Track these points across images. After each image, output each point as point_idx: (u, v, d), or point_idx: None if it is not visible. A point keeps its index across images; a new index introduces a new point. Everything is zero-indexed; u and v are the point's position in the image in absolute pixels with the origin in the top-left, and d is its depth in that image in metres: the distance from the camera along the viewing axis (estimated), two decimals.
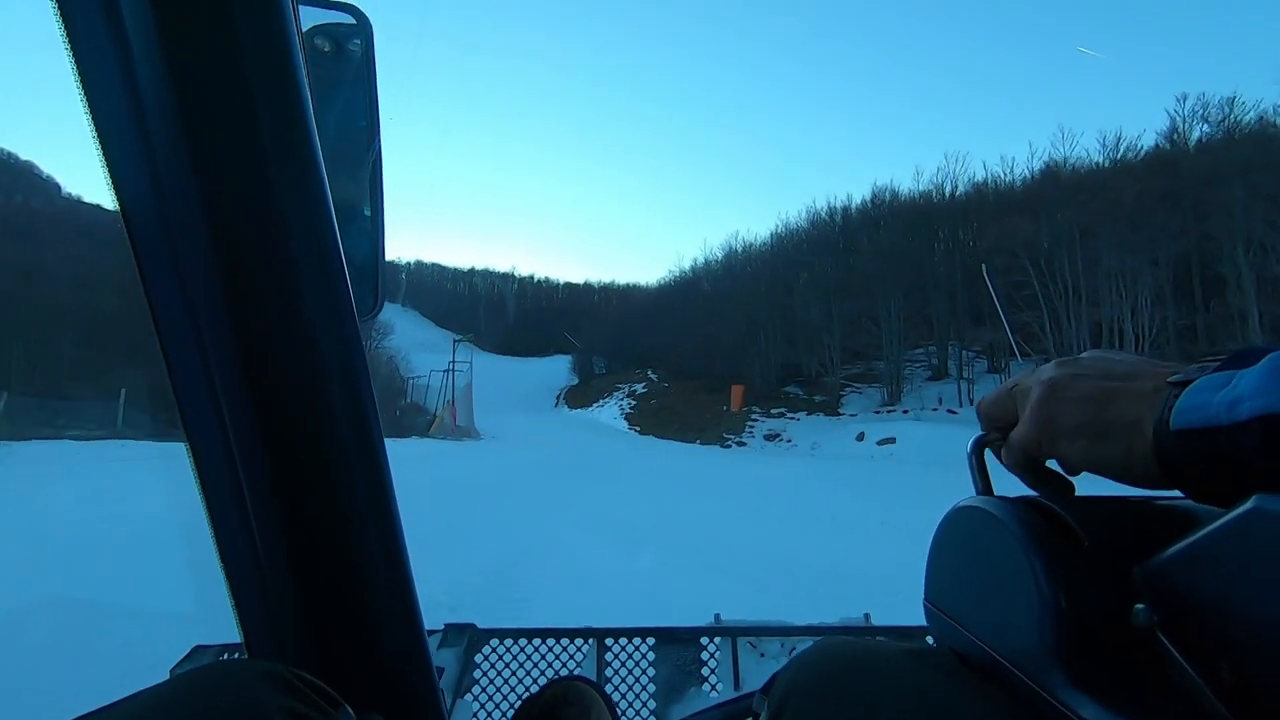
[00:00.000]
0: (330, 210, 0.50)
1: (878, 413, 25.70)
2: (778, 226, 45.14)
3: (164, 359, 0.50)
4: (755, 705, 0.42)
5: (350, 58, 0.64)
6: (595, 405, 42.75)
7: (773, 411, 28.82)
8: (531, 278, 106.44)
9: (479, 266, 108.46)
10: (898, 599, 2.24)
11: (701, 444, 27.40)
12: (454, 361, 29.80)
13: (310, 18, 0.60)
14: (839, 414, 27.14)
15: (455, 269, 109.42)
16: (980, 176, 35.74)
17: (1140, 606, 0.31)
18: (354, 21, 0.64)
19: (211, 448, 0.52)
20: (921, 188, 35.65)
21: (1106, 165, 28.29)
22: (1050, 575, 0.33)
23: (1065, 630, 0.32)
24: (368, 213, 0.68)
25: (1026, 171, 33.39)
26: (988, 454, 0.46)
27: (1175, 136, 26.41)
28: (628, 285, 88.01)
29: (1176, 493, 0.35)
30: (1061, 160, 28.89)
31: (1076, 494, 0.42)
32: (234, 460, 0.52)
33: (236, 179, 0.47)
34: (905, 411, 24.75)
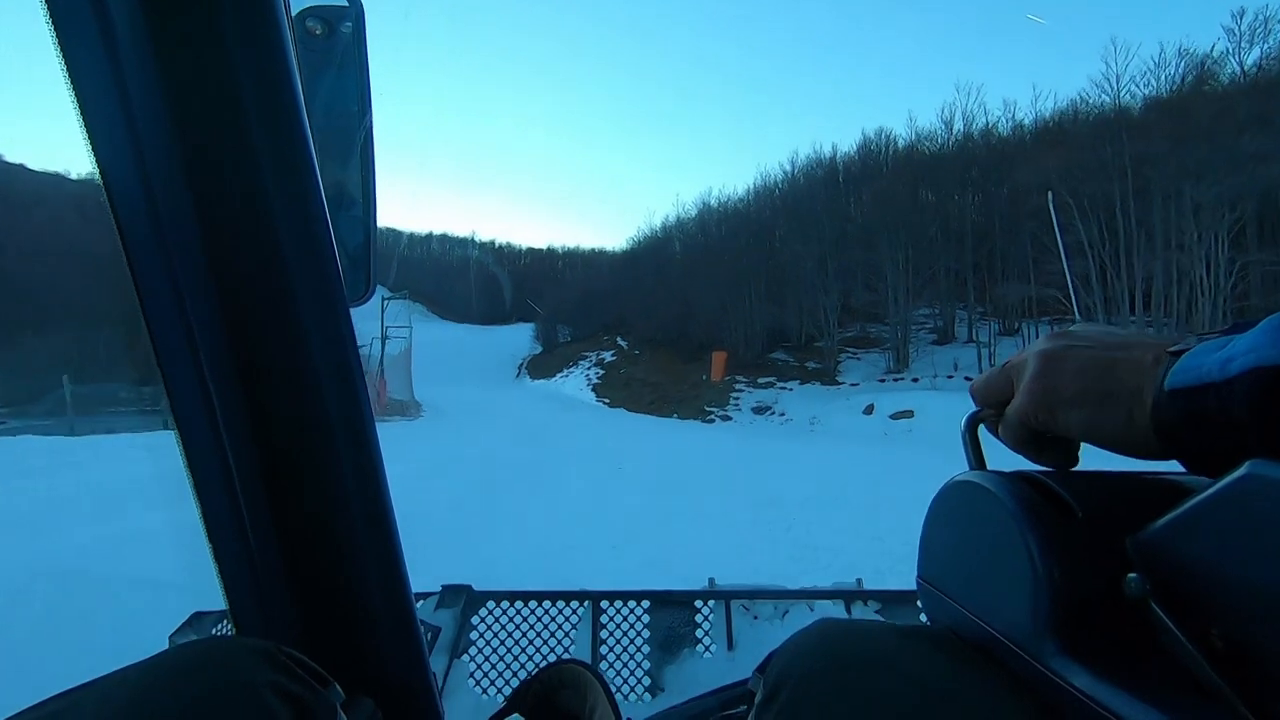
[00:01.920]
0: (321, 195, 0.50)
1: (883, 381, 22.41)
2: (759, 178, 41.52)
3: (151, 343, 0.50)
4: (751, 684, 0.42)
5: (341, 40, 0.64)
6: (559, 375, 39.24)
7: (760, 381, 25.41)
8: (493, 243, 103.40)
9: (437, 231, 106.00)
10: None
11: (680, 418, 23.96)
12: (384, 325, 25.59)
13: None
14: (838, 382, 23.81)
15: (413, 234, 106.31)
16: (1002, 112, 31.98)
17: (1133, 576, 0.31)
18: (345, 3, 0.64)
19: (199, 430, 0.52)
20: (930, 125, 31.59)
21: (1167, 87, 23.71)
22: (1043, 547, 0.33)
23: (1058, 600, 0.32)
24: (359, 197, 0.68)
25: (1066, 100, 28.99)
26: (981, 431, 0.46)
27: (1227, 56, 22.95)
28: (593, 251, 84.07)
29: (1174, 465, 0.35)
30: (1111, 84, 24.28)
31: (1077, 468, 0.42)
32: (222, 443, 0.52)
33: (226, 166, 0.48)
34: (915, 380, 21.53)
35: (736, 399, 24.37)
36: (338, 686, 0.47)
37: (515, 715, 0.60)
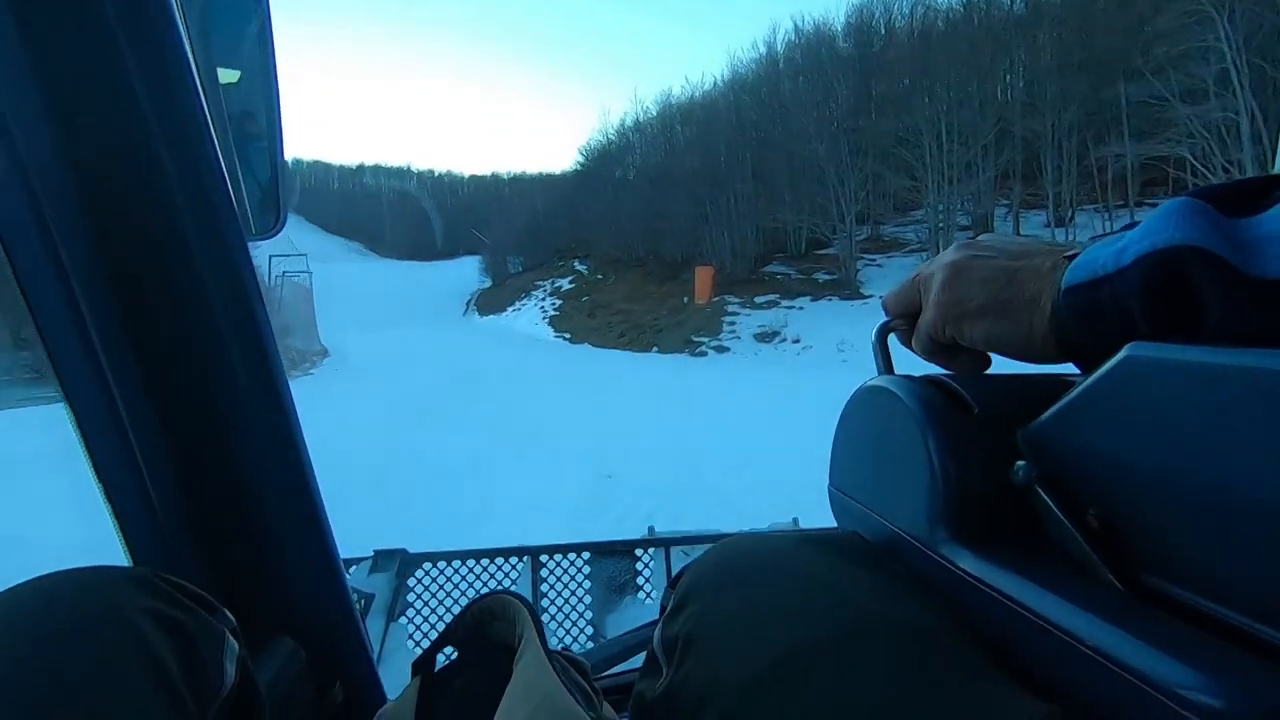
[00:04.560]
0: (206, 122, 0.47)
1: None
2: (735, 61, 34.80)
3: (21, 295, 0.46)
4: (663, 599, 0.43)
5: None
6: (509, 309, 33.58)
7: (758, 300, 20.31)
8: (431, 173, 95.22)
9: (369, 163, 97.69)
10: None
11: (661, 353, 18.88)
12: (271, 257, 19.90)
13: None
14: (862, 295, 18.85)
15: (343, 166, 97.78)
16: None
17: (1021, 464, 0.32)
18: None
19: (82, 378, 0.48)
20: None
21: None
22: (939, 442, 0.35)
23: (951, 491, 0.34)
24: (264, 126, 0.64)
25: None
26: (891, 339, 0.48)
27: None
28: (541, 175, 76.35)
29: (1072, 368, 0.37)
30: None
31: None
32: (105, 377, 0.49)
33: (94, 89, 0.44)
34: None
35: (732, 324, 19.29)
36: (228, 612, 0.45)
37: (447, 648, 0.59)
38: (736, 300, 20.71)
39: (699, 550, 1.06)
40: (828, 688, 0.29)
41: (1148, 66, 14.47)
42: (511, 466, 5.48)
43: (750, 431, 6.59)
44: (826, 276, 20.76)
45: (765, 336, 17.88)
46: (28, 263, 0.45)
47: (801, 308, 19.04)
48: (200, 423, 0.53)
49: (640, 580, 1.16)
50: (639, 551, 1.17)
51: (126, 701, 0.34)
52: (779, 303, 19.74)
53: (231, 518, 0.56)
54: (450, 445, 6.17)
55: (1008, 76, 21.01)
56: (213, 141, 0.48)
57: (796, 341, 16.98)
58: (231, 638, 0.44)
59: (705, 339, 18.78)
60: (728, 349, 17.90)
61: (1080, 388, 0.30)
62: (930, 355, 0.45)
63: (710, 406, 8.57)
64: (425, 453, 5.91)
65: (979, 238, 0.43)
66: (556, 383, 11.85)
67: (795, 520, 1.26)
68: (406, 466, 5.33)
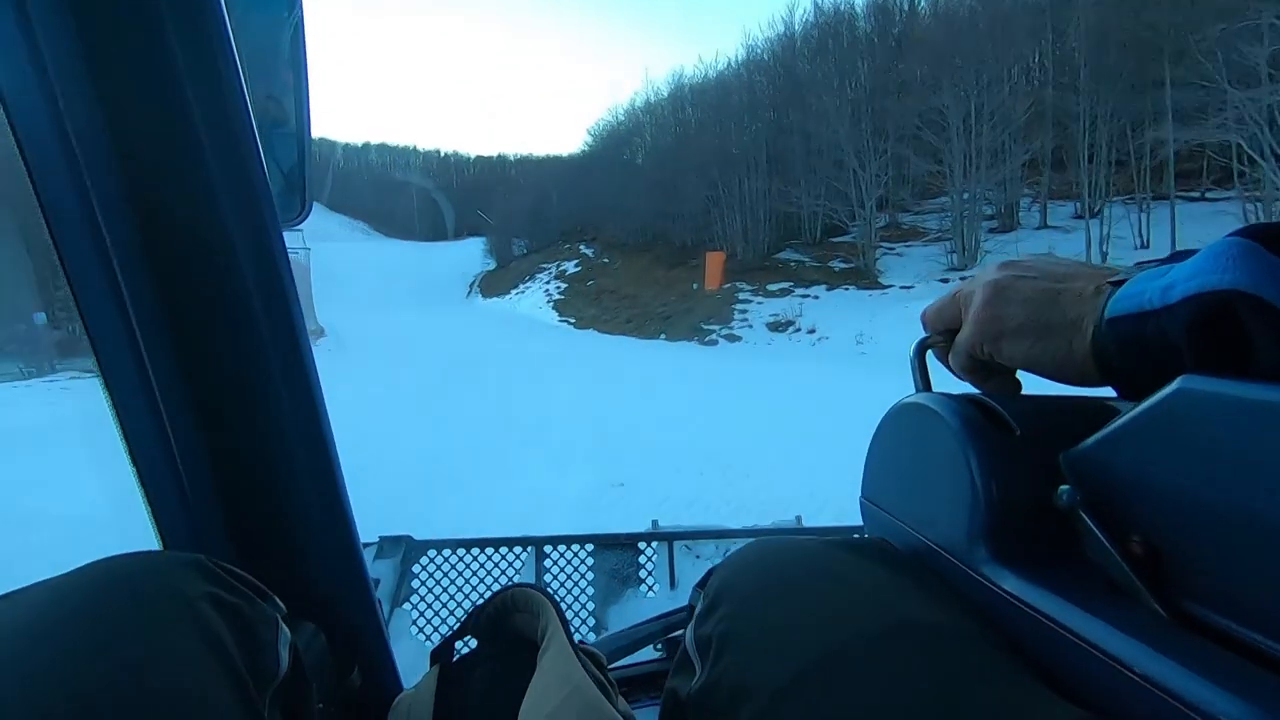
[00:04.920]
0: (248, 113, 0.48)
1: (945, 281, 16.68)
2: (750, 41, 33.58)
3: (64, 274, 0.48)
4: (691, 598, 0.43)
5: None
6: (513, 292, 32.89)
7: (770, 288, 19.54)
8: (437, 152, 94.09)
9: (375, 141, 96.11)
10: None
11: (669, 340, 18.18)
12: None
13: None
14: (880, 285, 18.05)
15: (347, 144, 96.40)
16: None
17: (1065, 488, 0.33)
18: None
19: (120, 354, 0.49)
20: None
21: None
22: (982, 462, 0.35)
23: (992, 511, 0.34)
24: (292, 113, 0.64)
25: None
26: (929, 356, 0.48)
27: None
28: (548, 157, 74.98)
29: (1109, 392, 0.37)
30: None
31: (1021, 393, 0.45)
32: (143, 359, 0.50)
33: (142, 85, 0.45)
34: None
35: (744, 312, 18.56)
36: (278, 600, 0.46)
37: (468, 638, 0.59)
38: (748, 287, 19.96)
39: (702, 545, 1.19)
40: (866, 691, 0.29)
41: (1200, 45, 13.45)
42: (504, 472, 4.80)
43: (786, 436, 5.90)
44: (843, 265, 19.93)
45: (779, 326, 17.15)
46: (72, 243, 0.46)
47: (816, 297, 18.27)
48: (231, 407, 0.53)
49: (643, 574, 1.17)
50: (642, 545, 1.19)
51: (191, 686, 0.34)
52: (793, 291, 18.97)
53: (259, 501, 0.56)
54: (440, 446, 5.50)
55: (1043, 54, 19.97)
56: (252, 127, 0.48)
57: (812, 332, 16.24)
58: (283, 624, 0.45)
59: (716, 327, 18.07)
60: (739, 338, 17.18)
61: (1128, 416, 0.30)
62: (967, 373, 0.45)
63: (731, 403, 7.87)
64: (410, 451, 5.23)
65: (1021, 258, 0.43)
66: (560, 369, 11.15)
67: (798, 518, 1.30)
68: (389, 468, 4.64)
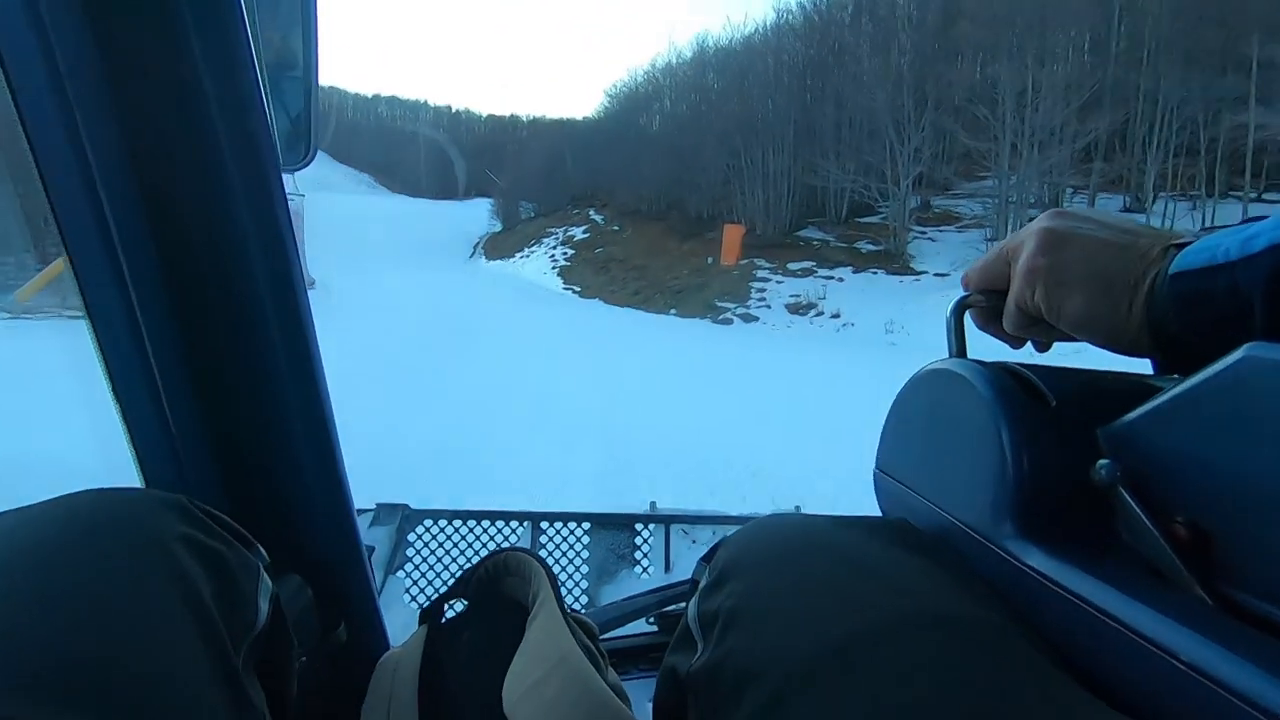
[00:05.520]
0: (251, 54, 0.47)
1: None
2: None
3: (48, 200, 0.46)
4: (695, 573, 0.41)
5: None
6: (518, 256, 31.56)
7: (792, 267, 18.30)
8: (449, 108, 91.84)
9: (385, 94, 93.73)
10: None
11: (680, 315, 16.98)
12: None
13: None
14: (912, 270, 16.82)
15: (358, 95, 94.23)
16: None
17: (1104, 462, 0.31)
18: None
19: (108, 294, 0.48)
20: None
21: None
22: (1014, 433, 0.33)
23: (1023, 485, 0.33)
24: (299, 58, 0.63)
25: None
26: (967, 319, 0.45)
27: None
28: (562, 120, 72.88)
29: (1142, 367, 0.36)
30: None
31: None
32: (130, 298, 0.49)
33: (138, 20, 0.44)
34: None
35: (762, 291, 17.36)
36: (262, 549, 0.44)
37: (459, 599, 0.59)
38: (767, 265, 18.72)
39: (700, 530, 1.19)
40: (885, 679, 0.27)
41: None
42: (495, 470, 3.71)
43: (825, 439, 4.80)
44: (871, 247, 18.66)
45: (799, 308, 15.97)
46: (59, 178, 0.45)
47: (841, 279, 17.07)
48: (223, 349, 0.52)
49: (638, 555, 1.16)
50: (639, 526, 1.18)
51: (161, 630, 0.32)
52: (815, 271, 17.76)
53: (248, 447, 0.55)
54: (420, 428, 4.40)
55: (1113, 24, 18.21)
56: (255, 71, 0.47)
57: (836, 316, 15.08)
58: (265, 574, 0.43)
59: (731, 305, 16.89)
60: (756, 318, 16.02)
61: (1183, 386, 0.28)
62: (1019, 330, 0.42)
63: (756, 400, 6.77)
64: (390, 429, 4.15)
65: (1075, 209, 0.39)
66: (569, 345, 10.03)
67: (797, 508, 1.32)
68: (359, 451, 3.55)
